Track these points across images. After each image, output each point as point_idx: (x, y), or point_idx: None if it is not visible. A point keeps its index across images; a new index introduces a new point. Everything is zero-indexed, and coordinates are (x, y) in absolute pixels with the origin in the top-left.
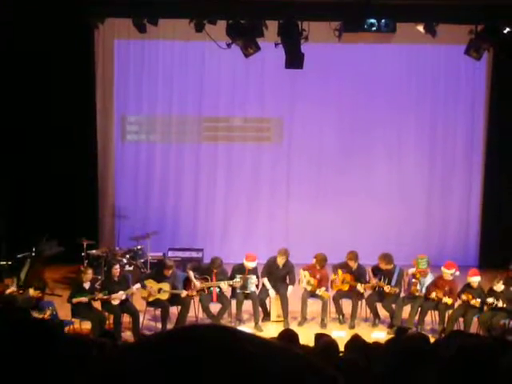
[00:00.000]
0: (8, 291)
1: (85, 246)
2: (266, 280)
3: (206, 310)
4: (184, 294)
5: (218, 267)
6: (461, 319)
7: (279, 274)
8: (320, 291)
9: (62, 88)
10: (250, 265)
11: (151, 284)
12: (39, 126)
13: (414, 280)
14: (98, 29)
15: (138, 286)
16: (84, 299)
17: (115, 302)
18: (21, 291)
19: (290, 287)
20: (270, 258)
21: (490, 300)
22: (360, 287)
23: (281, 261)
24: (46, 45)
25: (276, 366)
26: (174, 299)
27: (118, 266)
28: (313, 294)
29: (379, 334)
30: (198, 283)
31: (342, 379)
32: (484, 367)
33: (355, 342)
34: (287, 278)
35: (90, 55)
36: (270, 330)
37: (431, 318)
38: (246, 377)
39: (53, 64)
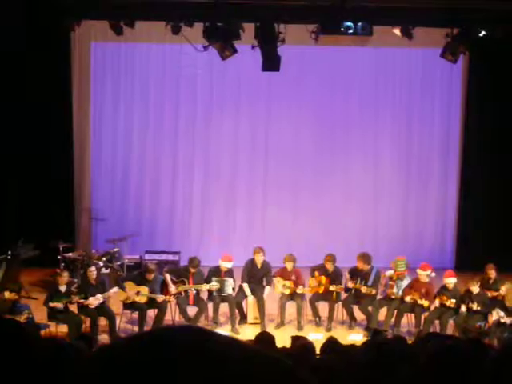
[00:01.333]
0: None
1: (61, 248)
2: (246, 286)
3: (183, 312)
4: (161, 298)
5: (196, 267)
6: (437, 321)
7: (258, 275)
8: (300, 289)
9: (38, 90)
10: (225, 265)
11: (130, 286)
12: (14, 127)
13: (390, 283)
14: (74, 31)
15: (115, 289)
16: (59, 305)
17: (92, 306)
18: None
19: (267, 288)
20: (247, 260)
21: (464, 306)
22: (333, 288)
23: (259, 259)
24: (21, 46)
25: (251, 370)
26: (151, 302)
27: (93, 269)
28: (292, 297)
29: (356, 337)
30: (173, 288)
31: (315, 382)
32: (459, 369)
33: (331, 344)
34: (264, 279)
35: (66, 57)
36: (247, 333)
37: (407, 320)
38: (221, 381)
39: (29, 66)
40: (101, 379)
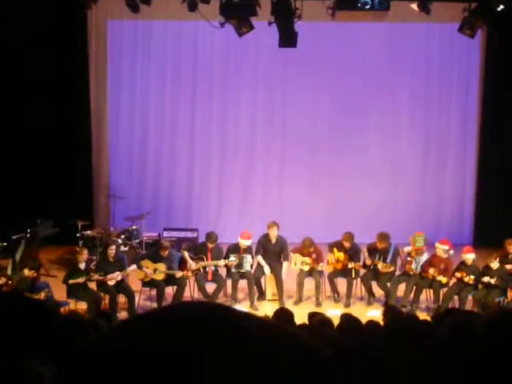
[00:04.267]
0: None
1: (79, 226)
2: (260, 257)
3: (202, 289)
4: (179, 274)
5: (214, 242)
6: (456, 297)
7: (273, 250)
8: (321, 267)
9: (55, 69)
10: (244, 243)
11: (147, 264)
12: (34, 107)
13: (409, 258)
14: (90, 9)
15: (133, 267)
16: (80, 280)
17: (111, 283)
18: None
19: (285, 264)
20: (262, 235)
21: (486, 279)
22: (351, 265)
23: (273, 234)
24: (39, 25)
25: (278, 350)
26: (170, 279)
27: (113, 247)
28: (310, 274)
29: (374, 313)
30: (193, 264)
31: (336, 361)
32: (478, 343)
33: (346, 321)
34: (281, 255)
35: (83, 35)
36: (266, 309)
37: (426, 296)
38: (251, 372)
39: (46, 44)
40: (121, 358)
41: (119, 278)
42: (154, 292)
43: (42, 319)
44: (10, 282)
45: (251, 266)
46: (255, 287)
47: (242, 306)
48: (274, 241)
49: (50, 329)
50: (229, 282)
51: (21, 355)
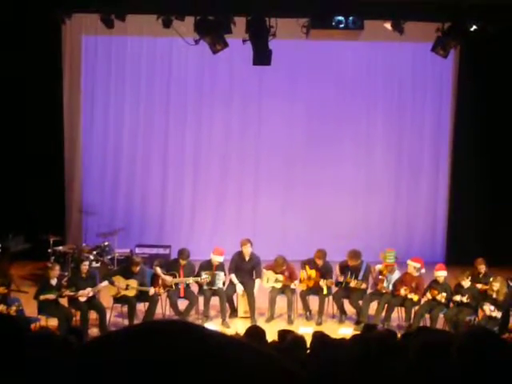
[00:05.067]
0: None
1: (51, 242)
2: (233, 276)
3: (173, 305)
4: (152, 291)
5: (186, 258)
6: (427, 316)
7: (246, 268)
8: (295, 285)
9: (29, 84)
10: (217, 259)
11: (118, 280)
12: (6, 120)
13: (380, 277)
14: (65, 24)
15: (105, 283)
16: (51, 296)
17: (82, 299)
18: None
19: (257, 281)
20: (235, 253)
21: (457, 297)
22: (322, 283)
23: (246, 251)
24: (12, 39)
25: (253, 370)
26: (142, 296)
27: (87, 263)
28: (282, 291)
29: (346, 331)
30: (168, 278)
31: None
32: (448, 362)
33: (320, 339)
34: (253, 272)
35: (57, 51)
36: (238, 326)
37: (398, 314)
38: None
39: (20, 59)
40: (91, 374)
41: (91, 294)
42: (125, 308)
43: (14, 334)
44: None
45: (223, 283)
46: (227, 304)
47: (214, 323)
48: (247, 258)
49: (22, 344)
50: (201, 299)
51: None
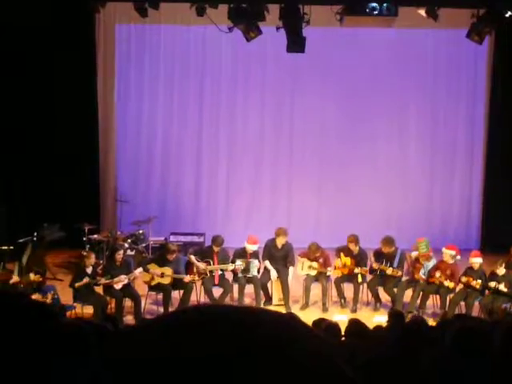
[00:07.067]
0: (12, 281)
1: (86, 230)
2: (267, 262)
3: (208, 293)
4: (187, 278)
5: (220, 245)
6: (462, 303)
7: (279, 255)
8: (329, 271)
9: (63, 73)
10: (251, 248)
11: (154, 268)
12: (41, 109)
13: (417, 265)
14: (99, 13)
15: (140, 270)
16: (86, 280)
17: (117, 287)
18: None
19: (291, 269)
20: (268, 240)
21: (492, 284)
22: (357, 270)
23: (280, 242)
24: (46, 29)
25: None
26: (176, 283)
27: (121, 252)
28: (317, 279)
29: (381, 318)
30: (201, 265)
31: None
32: (483, 349)
33: (355, 326)
34: (287, 260)
35: (91, 40)
36: None
37: (433, 301)
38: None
39: (54, 48)
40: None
41: (126, 281)
42: (160, 296)
43: (47, 320)
44: (21, 284)
45: (258, 271)
46: (262, 292)
47: None
48: (280, 246)
49: (55, 330)
50: (235, 287)
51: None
